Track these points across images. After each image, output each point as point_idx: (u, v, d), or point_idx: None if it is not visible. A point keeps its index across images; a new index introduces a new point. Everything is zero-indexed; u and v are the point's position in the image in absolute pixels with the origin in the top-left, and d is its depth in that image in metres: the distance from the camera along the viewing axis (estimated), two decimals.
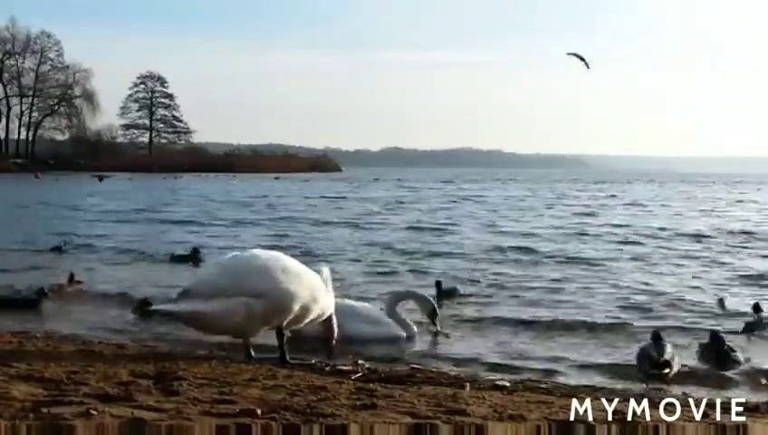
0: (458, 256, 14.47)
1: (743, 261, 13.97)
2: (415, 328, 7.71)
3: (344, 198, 38.12)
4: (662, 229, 20.06)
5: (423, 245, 16.30)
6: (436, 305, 7.97)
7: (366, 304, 8.07)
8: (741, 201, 38.14)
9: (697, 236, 18.30)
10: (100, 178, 56.01)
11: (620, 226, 21.40)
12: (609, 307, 9.30)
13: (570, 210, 29.21)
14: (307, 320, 6.21)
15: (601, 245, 16.59)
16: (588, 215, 26.53)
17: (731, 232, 19.38)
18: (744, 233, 19.21)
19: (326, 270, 6.37)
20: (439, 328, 7.81)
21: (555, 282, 11.24)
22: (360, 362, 6.32)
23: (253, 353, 6.21)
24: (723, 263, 13.65)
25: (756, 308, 8.35)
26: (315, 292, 6.09)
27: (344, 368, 5.96)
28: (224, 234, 19.06)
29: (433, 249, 15.41)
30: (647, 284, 11.07)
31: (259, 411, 3.98)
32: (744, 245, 16.69)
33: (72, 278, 10.35)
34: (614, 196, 43.28)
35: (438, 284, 9.90)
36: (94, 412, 3.87)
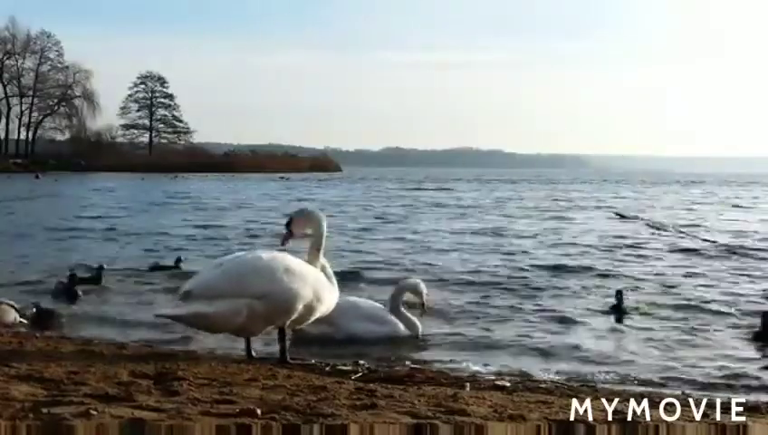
0: None
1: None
2: (420, 326, 7.61)
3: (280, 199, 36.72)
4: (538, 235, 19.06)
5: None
6: (422, 285, 7.85)
7: (369, 301, 7.96)
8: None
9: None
10: (37, 176, 59.91)
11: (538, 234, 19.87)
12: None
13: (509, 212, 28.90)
14: (311, 319, 6.20)
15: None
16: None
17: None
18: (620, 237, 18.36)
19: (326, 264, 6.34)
20: (426, 306, 7.82)
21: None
22: (360, 362, 6.32)
23: (253, 353, 6.22)
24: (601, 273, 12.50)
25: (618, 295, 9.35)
26: (319, 291, 6.07)
27: (344, 368, 5.96)
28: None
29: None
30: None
31: (259, 411, 3.97)
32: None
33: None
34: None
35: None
36: (94, 412, 3.86)
